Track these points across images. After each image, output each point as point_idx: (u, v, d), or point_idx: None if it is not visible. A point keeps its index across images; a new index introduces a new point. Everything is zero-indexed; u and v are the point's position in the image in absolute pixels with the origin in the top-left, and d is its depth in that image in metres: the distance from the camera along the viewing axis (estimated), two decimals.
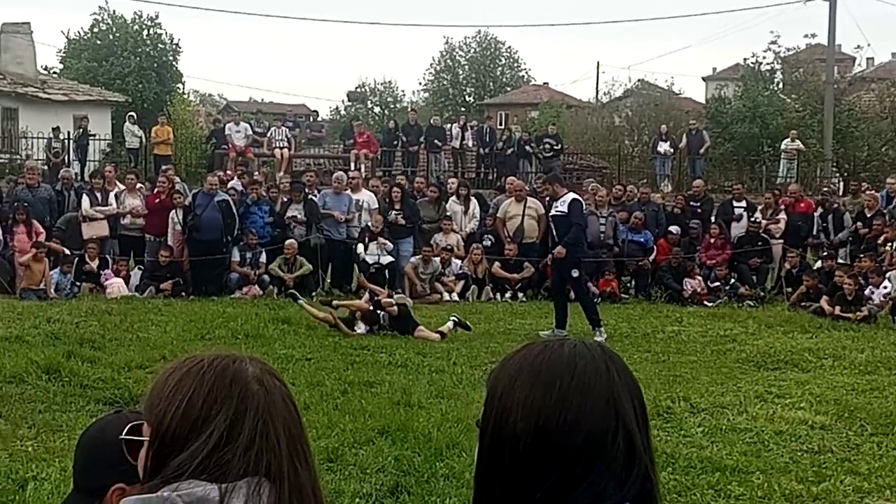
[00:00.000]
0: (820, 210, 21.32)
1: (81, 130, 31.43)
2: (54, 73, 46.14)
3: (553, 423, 1.81)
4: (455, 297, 19.30)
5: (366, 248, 19.43)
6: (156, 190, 20.36)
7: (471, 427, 8.70)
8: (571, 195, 15.22)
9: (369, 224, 19.80)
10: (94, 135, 32.05)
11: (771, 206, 21.64)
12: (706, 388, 11.16)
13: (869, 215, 20.13)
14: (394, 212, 20.13)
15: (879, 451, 8.72)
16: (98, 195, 20.13)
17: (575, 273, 15.09)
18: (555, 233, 15.12)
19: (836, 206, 21.86)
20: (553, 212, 15.25)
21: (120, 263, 19.48)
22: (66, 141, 30.57)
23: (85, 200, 19.95)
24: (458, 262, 20.00)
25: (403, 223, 20.16)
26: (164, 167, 23.73)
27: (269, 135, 30.91)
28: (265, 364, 2.04)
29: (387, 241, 19.47)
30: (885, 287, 17.44)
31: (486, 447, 1.89)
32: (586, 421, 1.81)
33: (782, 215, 21.27)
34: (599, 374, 1.85)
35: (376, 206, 20.31)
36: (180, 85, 50.85)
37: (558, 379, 1.84)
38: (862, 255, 19.10)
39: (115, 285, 18.62)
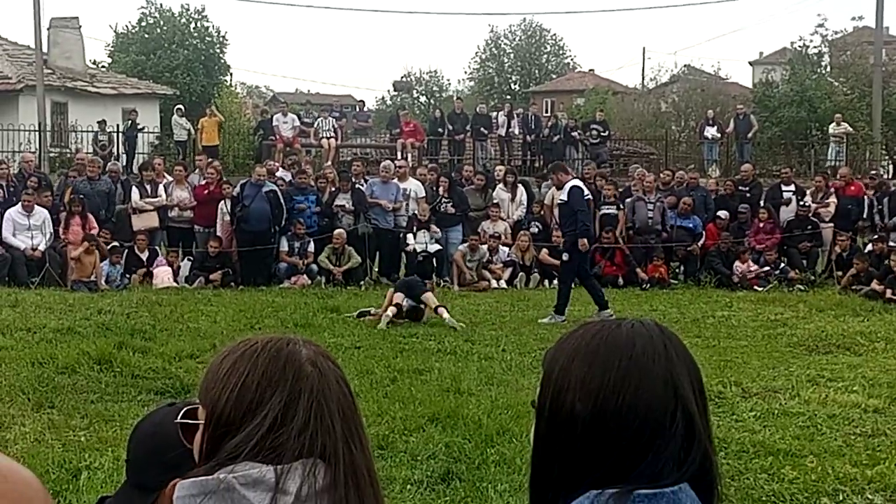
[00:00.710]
0: (872, 193, 21.08)
1: (130, 123, 31.65)
2: (103, 67, 46.54)
3: (611, 403, 1.79)
4: (503, 284, 19.28)
5: (414, 237, 19.49)
6: (204, 181, 20.48)
7: (521, 413, 8.71)
8: (573, 182, 15.37)
9: (416, 213, 19.83)
10: (143, 128, 32.28)
11: (821, 190, 21.49)
12: (757, 373, 11.09)
13: None
14: (442, 200, 20.14)
15: None
16: (147, 187, 20.31)
17: (566, 257, 15.44)
18: (558, 221, 15.22)
19: (892, 189, 21.62)
20: (557, 199, 15.34)
21: (171, 255, 19.66)
22: (112, 134, 30.80)
23: (134, 192, 20.15)
24: (506, 249, 19.97)
25: (452, 212, 20.17)
26: (198, 157, 23.81)
27: (315, 125, 31.03)
28: (319, 346, 2.03)
29: (437, 230, 19.50)
30: None
31: (543, 428, 1.87)
32: (645, 401, 1.79)
33: (832, 199, 21.09)
34: (658, 354, 1.83)
35: (423, 195, 20.36)
36: (227, 77, 51.17)
37: (616, 359, 1.82)
38: None
39: (162, 275, 18.77)
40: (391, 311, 14.45)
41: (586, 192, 15.75)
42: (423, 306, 14.87)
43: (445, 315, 14.54)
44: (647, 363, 1.82)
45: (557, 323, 14.71)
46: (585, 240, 15.12)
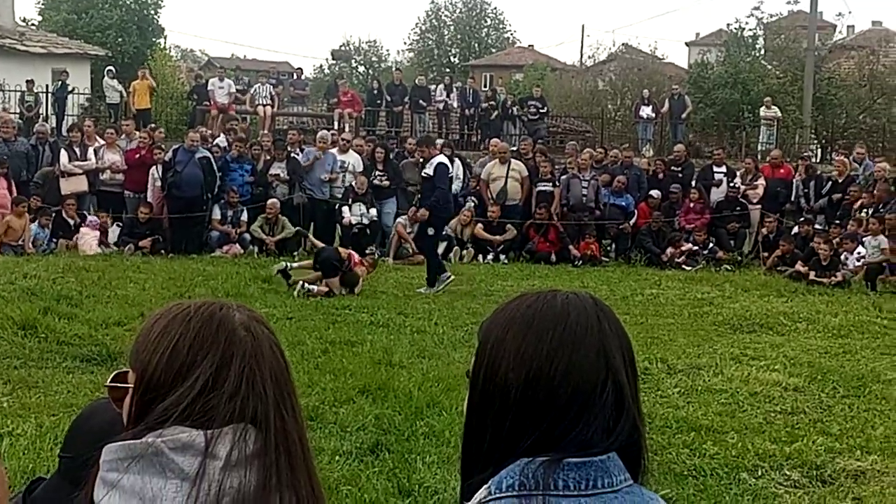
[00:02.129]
0: (801, 176, 21.37)
1: (60, 84, 31.10)
2: (33, 25, 45.62)
3: (544, 373, 1.82)
4: None
5: (350, 210, 19.45)
6: (136, 145, 20.22)
7: (451, 386, 8.78)
8: (439, 158, 15.54)
9: (353, 185, 19.78)
10: (73, 89, 31.73)
11: (750, 172, 21.73)
12: (683, 350, 11.26)
13: (841, 181, 20.24)
14: (377, 173, 20.09)
15: (851, 413, 8.85)
16: (76, 150, 19.96)
17: (430, 231, 15.72)
18: (422, 191, 15.50)
19: (818, 173, 21.94)
20: (423, 173, 15.61)
21: (100, 215, 19.33)
22: (40, 94, 30.24)
23: (63, 155, 19.77)
24: None
25: (386, 184, 20.14)
26: (124, 122, 23.47)
27: (252, 92, 30.73)
28: (253, 312, 2.02)
29: (367, 207, 19.48)
30: (860, 252, 17.58)
31: (477, 397, 1.90)
32: (577, 371, 1.82)
33: (761, 181, 21.34)
34: (591, 325, 1.87)
35: (362, 168, 20.26)
36: (161, 39, 50.43)
37: (550, 330, 1.85)
38: (837, 221, 19.25)
39: (88, 239, 18.47)
40: (323, 288, 14.67)
41: (451, 170, 16.23)
42: (354, 275, 15.01)
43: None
44: (580, 333, 1.85)
45: (433, 293, 15.04)
46: (427, 210, 15.57)
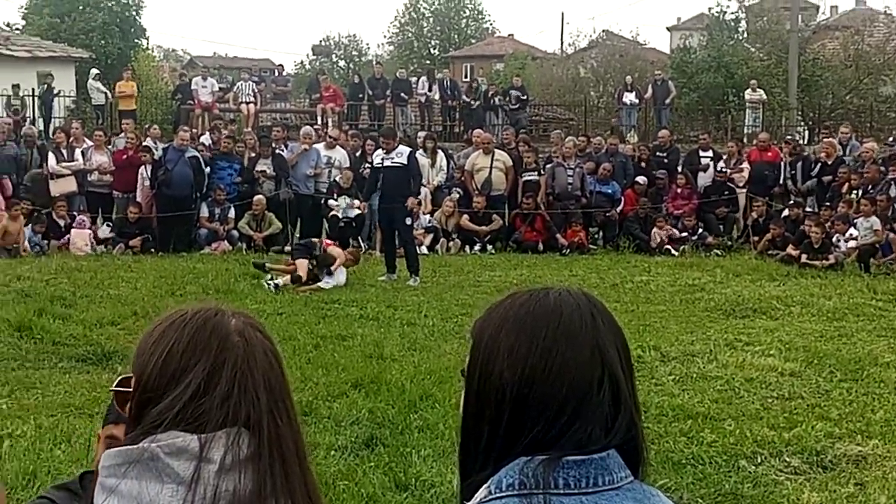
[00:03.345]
0: (788, 158, 21.36)
1: (46, 87, 31.05)
2: (16, 29, 45.50)
3: (539, 371, 1.81)
4: (424, 250, 19.31)
5: (336, 201, 19.43)
6: (123, 146, 20.22)
7: (444, 378, 8.77)
8: (407, 148, 16.10)
9: (338, 180, 19.76)
10: (59, 92, 31.67)
11: (734, 156, 21.72)
12: (676, 337, 11.25)
13: (830, 163, 20.24)
14: (366, 164, 20.05)
15: (849, 397, 8.82)
16: (64, 152, 20.03)
17: (409, 221, 15.99)
18: (387, 181, 15.73)
19: (805, 154, 21.91)
20: (388, 163, 15.61)
21: (86, 215, 19.37)
22: (26, 98, 30.18)
23: (51, 157, 19.85)
24: (427, 216, 19.97)
25: None
26: (124, 122, 23.51)
27: (235, 90, 30.68)
28: (250, 318, 2.04)
29: (354, 202, 19.47)
30: (852, 234, 17.55)
31: (472, 396, 1.89)
32: (572, 369, 1.81)
33: (745, 164, 21.34)
34: (584, 321, 1.85)
35: (348, 164, 20.25)
36: (144, 40, 50.32)
37: (543, 328, 1.84)
38: (828, 203, 19.23)
39: (79, 238, 18.53)
40: (286, 278, 14.69)
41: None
42: (329, 256, 15.11)
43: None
44: (573, 331, 1.83)
45: (418, 284, 15.26)
46: (415, 200, 16.34)
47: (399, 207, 15.63)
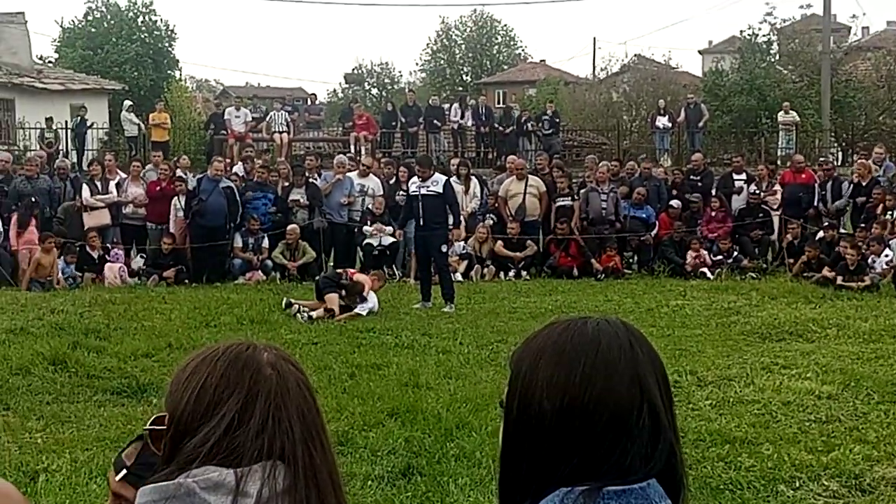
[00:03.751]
0: (821, 180, 21.23)
1: (79, 119, 31.33)
2: (50, 62, 46.07)
3: (578, 401, 1.81)
4: (458, 276, 19.30)
5: (371, 228, 19.51)
6: (158, 178, 20.33)
7: (480, 406, 8.74)
8: (442, 177, 16.15)
9: (370, 207, 19.82)
10: (92, 124, 31.96)
11: (766, 178, 21.61)
12: (712, 361, 11.18)
13: (864, 184, 20.10)
14: (401, 192, 20.08)
15: (887, 419, 8.72)
16: (98, 184, 20.15)
17: (444, 248, 16.03)
18: (422, 211, 15.70)
19: (836, 175, 21.77)
20: (424, 191, 15.67)
21: (120, 247, 19.50)
22: (59, 131, 30.47)
23: (85, 190, 19.97)
24: (461, 242, 19.98)
25: None
26: (153, 154, 23.64)
27: (268, 119, 30.85)
28: (281, 351, 2.05)
29: (385, 227, 19.48)
30: (887, 255, 17.41)
31: (512, 426, 1.89)
32: (611, 398, 1.81)
33: (777, 186, 21.23)
34: (623, 350, 1.85)
35: (381, 192, 20.33)
36: (177, 71, 50.80)
37: (582, 357, 1.84)
38: (863, 225, 19.10)
39: (113, 270, 18.68)
40: (321, 311, 14.69)
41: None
42: (357, 284, 15.14)
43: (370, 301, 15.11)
44: (612, 360, 1.84)
45: (454, 311, 15.25)
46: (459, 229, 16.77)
47: (435, 235, 15.67)
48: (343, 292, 15.04)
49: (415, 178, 16.30)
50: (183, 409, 1.92)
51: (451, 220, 16.05)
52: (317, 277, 15.86)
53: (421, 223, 15.86)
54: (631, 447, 1.79)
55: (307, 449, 1.92)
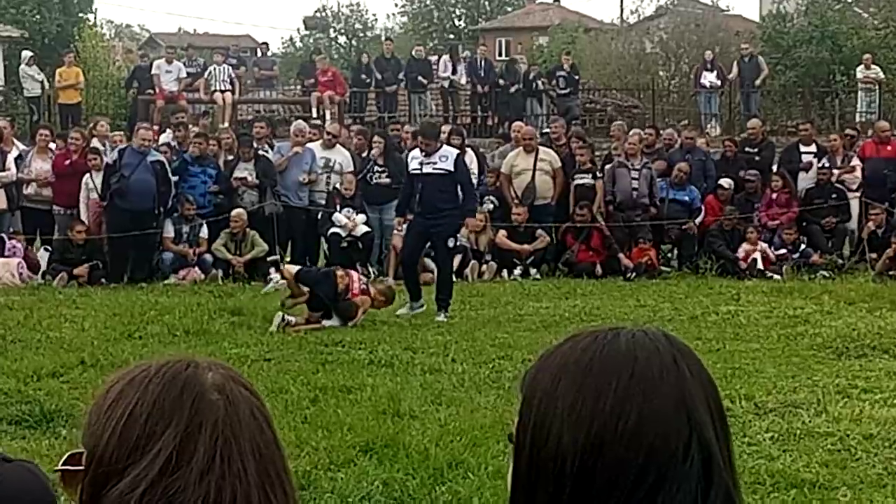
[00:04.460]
0: None
1: None
2: None
3: (608, 435, 1.79)
4: None
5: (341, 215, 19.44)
6: (67, 148, 20.13)
7: (477, 440, 8.74)
8: (451, 150, 16.04)
9: (338, 187, 19.75)
10: None
11: (840, 152, 21.56)
12: (773, 384, 11.20)
13: None
14: (377, 168, 20.00)
15: None
16: None
17: (451, 242, 16.01)
18: (427, 191, 15.49)
19: None
20: (429, 168, 15.43)
21: (18, 238, 19.34)
22: None
23: None
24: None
25: (387, 183, 19.98)
26: (74, 121, 23.57)
27: (206, 75, 30.77)
28: (230, 370, 2.02)
29: (356, 213, 19.44)
30: None
31: (524, 468, 1.87)
32: (651, 431, 1.78)
33: (857, 161, 21.21)
34: (666, 369, 1.83)
35: (351, 167, 20.20)
36: (90, 14, 50.67)
37: (614, 378, 1.82)
38: None
39: (7, 272, 18.50)
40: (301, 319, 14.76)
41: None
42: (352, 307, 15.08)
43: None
44: (652, 382, 1.81)
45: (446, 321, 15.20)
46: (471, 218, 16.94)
47: (442, 224, 15.48)
48: (323, 300, 14.91)
49: (416, 153, 15.99)
50: (105, 445, 1.88)
51: (466, 205, 15.90)
52: (316, 282, 15.39)
53: (423, 209, 15.66)
54: (676, 494, 1.76)
55: (264, 495, 1.89)
